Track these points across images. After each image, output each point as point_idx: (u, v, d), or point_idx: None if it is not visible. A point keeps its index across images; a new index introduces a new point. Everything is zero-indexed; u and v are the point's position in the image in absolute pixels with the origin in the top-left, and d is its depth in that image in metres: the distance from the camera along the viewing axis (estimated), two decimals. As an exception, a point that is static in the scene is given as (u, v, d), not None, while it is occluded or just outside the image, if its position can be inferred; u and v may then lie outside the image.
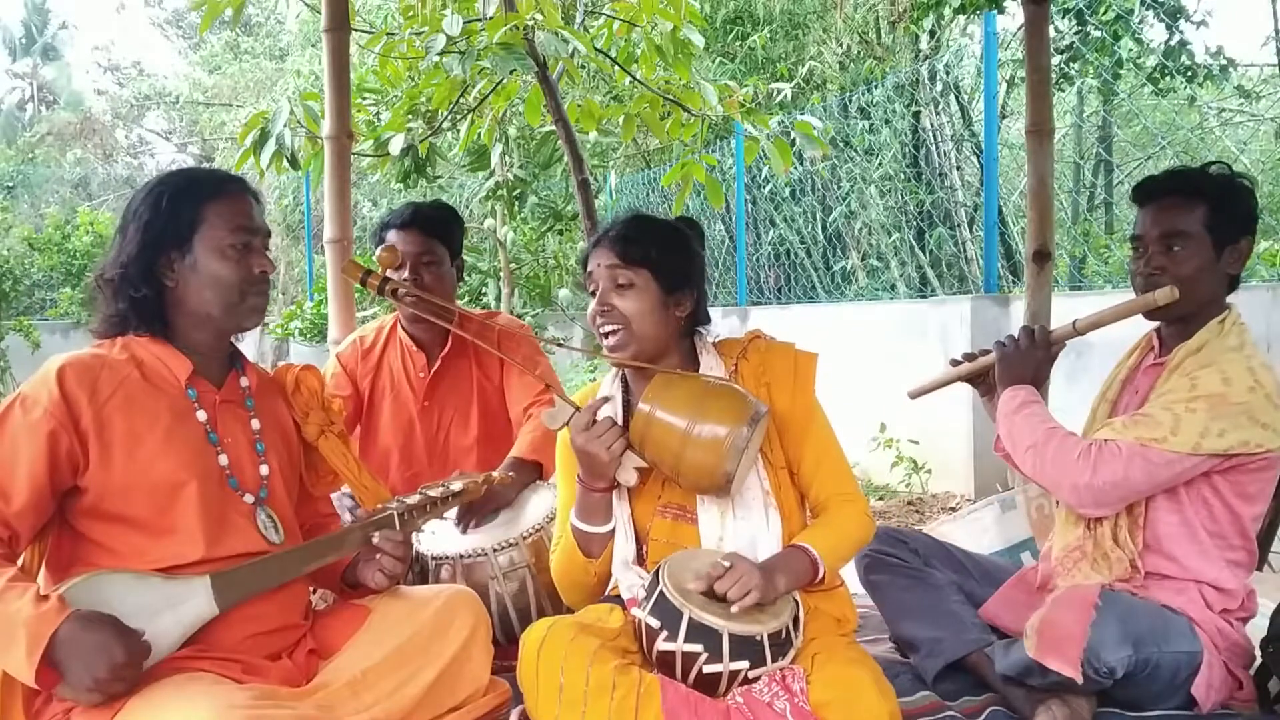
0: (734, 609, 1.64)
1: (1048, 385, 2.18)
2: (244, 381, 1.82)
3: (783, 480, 1.90)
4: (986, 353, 2.20)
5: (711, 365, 1.93)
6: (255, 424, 1.80)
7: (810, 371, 1.94)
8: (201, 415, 1.71)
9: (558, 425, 1.85)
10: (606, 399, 1.93)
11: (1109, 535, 1.95)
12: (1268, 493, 1.95)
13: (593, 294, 1.91)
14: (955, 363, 2.28)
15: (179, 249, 1.69)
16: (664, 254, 1.89)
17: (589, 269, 1.91)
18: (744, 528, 1.83)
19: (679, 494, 1.89)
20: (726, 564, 1.70)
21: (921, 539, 2.32)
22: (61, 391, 1.59)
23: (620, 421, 1.90)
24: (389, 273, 1.95)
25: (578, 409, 1.84)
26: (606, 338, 1.88)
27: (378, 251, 1.94)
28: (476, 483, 2.08)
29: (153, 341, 1.71)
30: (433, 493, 1.97)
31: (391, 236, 2.65)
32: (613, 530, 1.90)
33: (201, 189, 1.72)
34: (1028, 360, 2.09)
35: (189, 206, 1.69)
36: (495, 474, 2.18)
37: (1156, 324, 2.07)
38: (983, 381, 2.22)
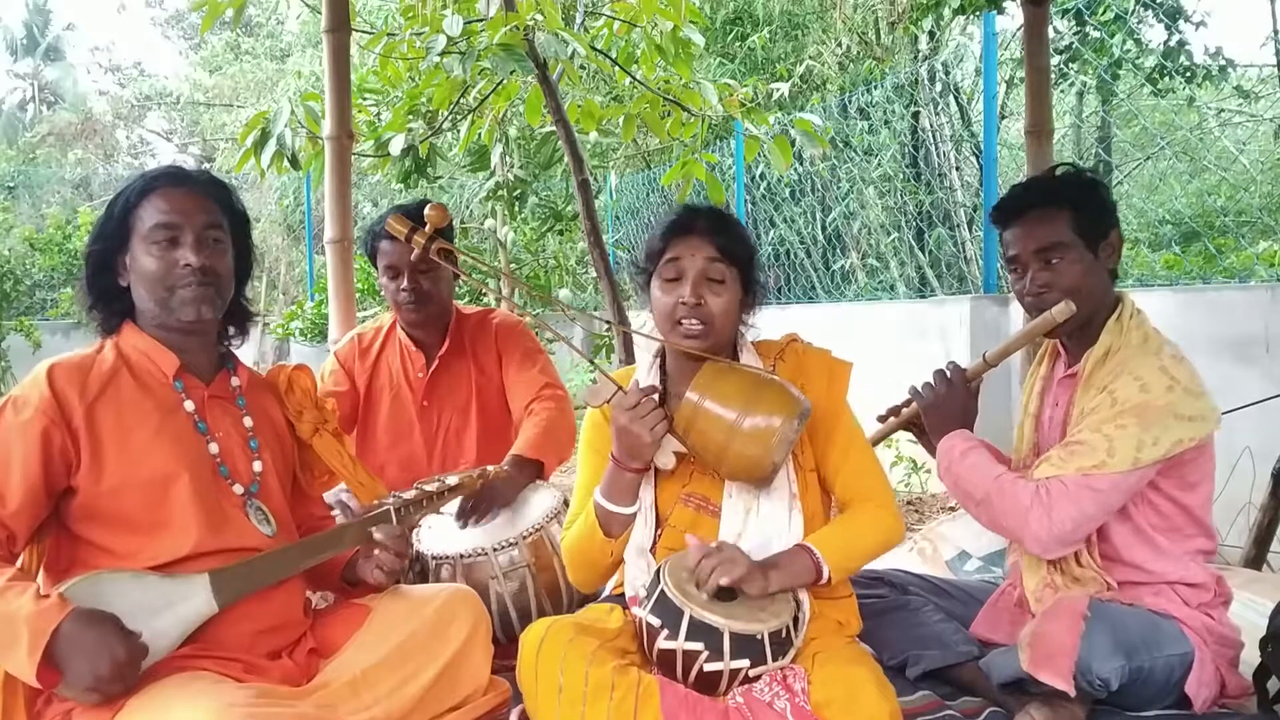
0: (710, 583, 1.66)
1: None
2: (234, 381, 1.84)
3: (810, 483, 1.90)
4: (909, 403, 2.18)
5: (750, 363, 1.93)
6: (248, 421, 1.82)
7: (844, 380, 1.95)
8: (189, 405, 1.73)
9: (599, 402, 1.85)
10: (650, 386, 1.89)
11: (1073, 561, 1.94)
12: (1209, 472, 1.94)
13: (669, 281, 1.82)
14: (882, 418, 2.25)
15: (123, 251, 1.72)
16: (751, 256, 1.87)
17: (671, 255, 1.82)
18: (765, 526, 1.83)
19: (705, 484, 1.89)
20: (713, 545, 1.72)
21: (895, 574, 2.33)
22: (52, 390, 1.61)
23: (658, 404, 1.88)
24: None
25: (621, 388, 1.83)
26: (688, 335, 1.82)
27: (427, 210, 1.95)
28: (472, 477, 2.09)
29: (140, 338, 1.74)
30: (429, 487, 1.98)
31: (385, 245, 2.65)
32: (635, 513, 1.88)
33: (137, 187, 1.74)
34: (951, 404, 2.07)
35: (126, 207, 1.72)
36: (491, 468, 2.18)
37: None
38: (917, 425, 2.19)
